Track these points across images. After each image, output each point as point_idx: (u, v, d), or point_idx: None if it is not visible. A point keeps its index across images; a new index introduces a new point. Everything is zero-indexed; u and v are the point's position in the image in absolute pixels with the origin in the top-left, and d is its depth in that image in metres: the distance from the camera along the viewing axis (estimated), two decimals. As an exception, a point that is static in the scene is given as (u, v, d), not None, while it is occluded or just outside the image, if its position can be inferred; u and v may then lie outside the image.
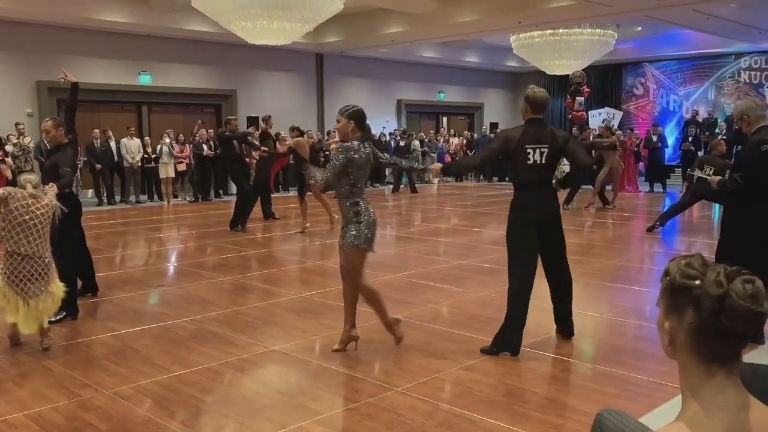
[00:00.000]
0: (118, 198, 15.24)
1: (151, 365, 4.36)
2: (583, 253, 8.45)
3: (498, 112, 25.55)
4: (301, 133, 10.85)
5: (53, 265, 4.79)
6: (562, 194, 8.54)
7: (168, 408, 3.66)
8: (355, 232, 4.38)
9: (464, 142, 21.09)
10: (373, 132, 19.30)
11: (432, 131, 22.00)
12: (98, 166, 14.55)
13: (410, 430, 3.36)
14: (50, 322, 5.22)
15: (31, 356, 4.56)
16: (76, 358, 4.55)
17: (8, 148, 13.44)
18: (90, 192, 15.29)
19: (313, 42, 17.91)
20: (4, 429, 3.41)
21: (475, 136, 22.20)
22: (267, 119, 11.83)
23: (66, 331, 5.15)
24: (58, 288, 4.76)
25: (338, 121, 4.61)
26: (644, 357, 4.46)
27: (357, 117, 4.57)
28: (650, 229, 9.71)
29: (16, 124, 13.70)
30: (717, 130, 17.44)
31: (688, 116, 20.39)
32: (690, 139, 17.41)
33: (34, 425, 3.45)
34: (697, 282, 1.21)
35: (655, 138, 17.39)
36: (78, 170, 6.15)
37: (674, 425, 1.22)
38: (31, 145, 13.53)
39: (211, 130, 16.34)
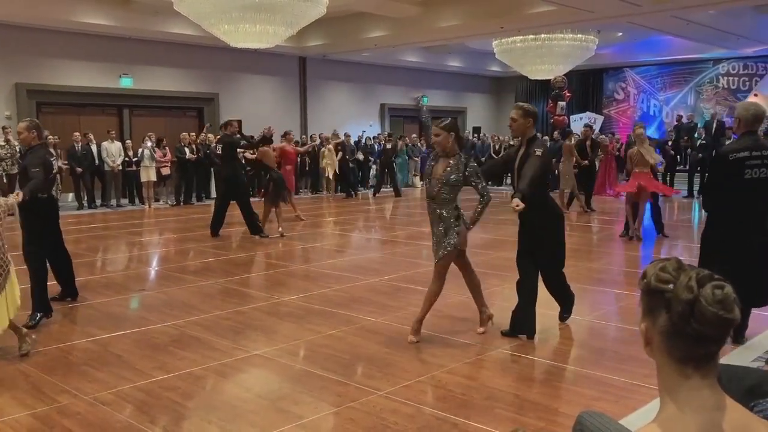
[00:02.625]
0: (98, 202, 15.09)
1: (132, 370, 4.32)
2: (567, 256, 8.49)
3: (481, 116, 25.68)
4: (271, 142, 10.86)
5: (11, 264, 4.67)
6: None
7: (149, 413, 3.63)
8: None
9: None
10: (355, 135, 19.42)
11: (415, 135, 22.05)
12: (79, 169, 14.41)
13: (393, 434, 3.36)
14: (29, 327, 5.17)
15: (8, 361, 4.50)
16: (55, 363, 4.50)
17: None
18: (70, 196, 15.13)
19: (296, 45, 17.89)
20: (-19, 436, 3.37)
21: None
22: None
23: (45, 336, 5.09)
24: (15, 287, 4.63)
25: (437, 135, 4.77)
26: (625, 359, 4.50)
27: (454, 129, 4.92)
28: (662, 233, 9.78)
29: (3, 128, 13.56)
30: (696, 135, 17.64)
31: (674, 122, 20.54)
32: (670, 143, 17.60)
33: (12, 432, 3.41)
34: (670, 286, 1.22)
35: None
36: (55, 170, 6.12)
37: (649, 426, 1.23)
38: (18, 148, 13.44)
39: (192, 133, 16.26)
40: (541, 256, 5.01)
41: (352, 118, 21.01)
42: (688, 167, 17.57)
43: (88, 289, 6.65)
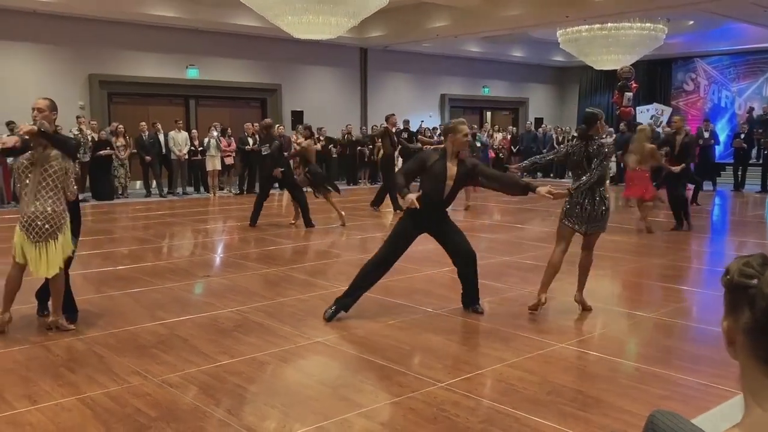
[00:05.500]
0: (165, 189, 15.55)
1: (198, 354, 4.44)
2: (631, 251, 8.30)
3: (543, 107, 25.21)
4: (311, 135, 11.04)
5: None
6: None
7: (214, 396, 3.73)
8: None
9: (509, 137, 20.87)
10: (414, 125, 19.35)
11: (475, 126, 21.86)
12: (148, 158, 14.87)
13: (454, 426, 3.35)
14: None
15: (83, 342, 4.69)
16: (126, 345, 4.66)
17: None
18: (138, 183, 15.66)
19: (358, 36, 17.95)
20: (58, 412, 3.52)
21: (520, 131, 21.93)
22: (388, 117, 12.60)
23: (117, 319, 5.28)
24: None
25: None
26: (694, 359, 4.36)
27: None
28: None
29: (77, 117, 14.13)
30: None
31: (746, 113, 19.71)
32: (742, 136, 16.92)
33: (87, 409, 3.55)
34: (754, 281, 1.17)
35: (706, 134, 16.94)
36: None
37: (732, 431, 1.18)
38: (90, 136, 14.03)
39: (256, 124, 16.54)
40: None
41: (412, 109, 20.96)
42: (762, 161, 16.85)
43: (155, 274, 6.88)
